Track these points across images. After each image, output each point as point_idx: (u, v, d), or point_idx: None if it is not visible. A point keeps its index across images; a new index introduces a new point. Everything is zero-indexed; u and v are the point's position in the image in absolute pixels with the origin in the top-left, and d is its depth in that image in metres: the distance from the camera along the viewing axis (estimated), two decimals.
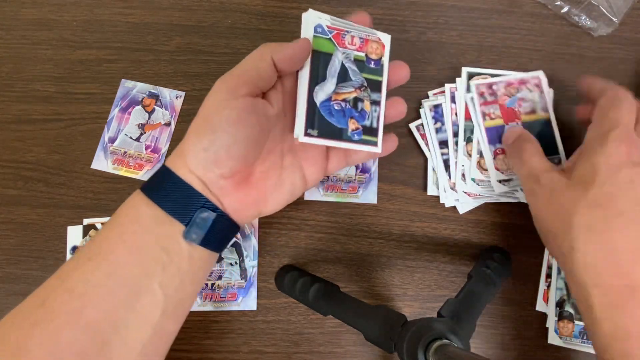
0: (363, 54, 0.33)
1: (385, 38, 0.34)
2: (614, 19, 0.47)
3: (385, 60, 0.34)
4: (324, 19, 0.31)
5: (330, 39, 0.32)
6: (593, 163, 0.30)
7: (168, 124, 0.46)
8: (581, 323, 0.41)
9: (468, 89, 0.44)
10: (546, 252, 0.43)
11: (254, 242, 0.43)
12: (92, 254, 0.27)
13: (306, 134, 0.30)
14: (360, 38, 0.33)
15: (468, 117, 0.43)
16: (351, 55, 0.33)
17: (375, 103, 0.34)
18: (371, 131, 0.34)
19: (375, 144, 0.34)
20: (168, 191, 0.28)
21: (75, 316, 0.25)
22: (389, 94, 0.35)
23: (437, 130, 0.44)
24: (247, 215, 0.32)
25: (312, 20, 0.31)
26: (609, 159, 0.30)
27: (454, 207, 0.44)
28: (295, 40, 0.30)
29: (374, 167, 0.45)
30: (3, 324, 0.26)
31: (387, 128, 0.36)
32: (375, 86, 0.34)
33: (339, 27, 0.32)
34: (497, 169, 0.42)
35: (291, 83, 0.32)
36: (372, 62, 0.34)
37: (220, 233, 0.30)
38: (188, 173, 0.28)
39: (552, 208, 0.32)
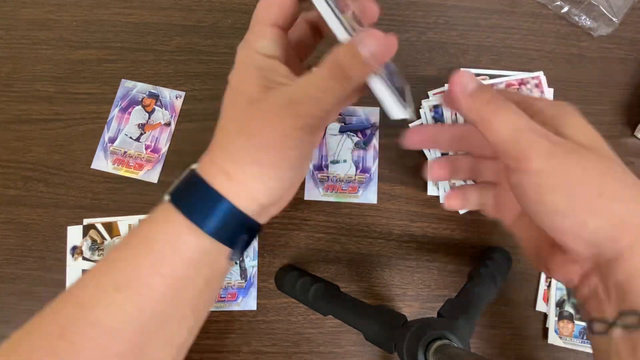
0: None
1: None
2: (614, 19, 0.47)
3: None
4: None
5: None
6: (589, 130, 0.25)
7: (168, 124, 0.46)
8: (582, 323, 0.41)
9: None
10: None
11: (254, 242, 0.43)
12: (119, 284, 0.24)
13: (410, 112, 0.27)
14: None
15: None
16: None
17: None
18: None
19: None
20: (222, 220, 0.25)
21: (101, 351, 0.23)
22: None
23: None
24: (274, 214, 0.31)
25: None
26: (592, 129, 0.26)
27: None
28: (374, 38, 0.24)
29: (374, 167, 0.45)
30: (13, 351, 0.24)
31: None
32: None
33: None
34: None
35: None
36: None
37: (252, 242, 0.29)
38: (249, 201, 0.26)
39: (583, 173, 0.24)
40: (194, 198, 0.26)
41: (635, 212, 0.23)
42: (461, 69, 0.26)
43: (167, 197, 0.26)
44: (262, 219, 0.28)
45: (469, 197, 0.32)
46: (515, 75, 0.44)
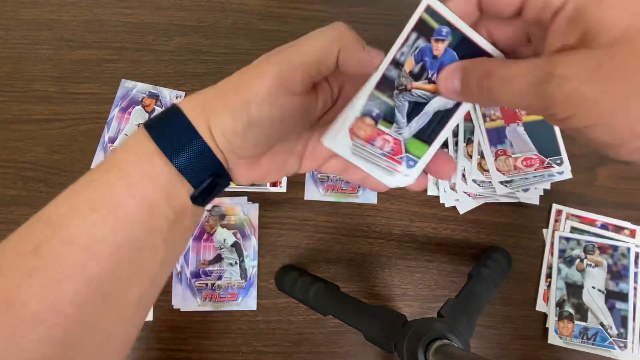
0: None
1: None
2: None
3: None
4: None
5: None
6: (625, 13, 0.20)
7: None
8: (581, 323, 0.41)
9: None
10: (546, 252, 0.43)
11: (254, 242, 0.43)
12: (94, 203, 0.25)
13: None
14: None
15: (468, 118, 0.43)
16: None
17: None
18: None
19: None
20: (189, 153, 0.26)
21: (76, 269, 0.24)
22: None
23: None
24: (245, 183, 0.31)
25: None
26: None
27: (454, 207, 0.44)
28: (370, 48, 0.26)
29: None
30: None
31: None
32: None
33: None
34: (498, 170, 0.42)
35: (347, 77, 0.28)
36: None
37: (220, 194, 0.29)
38: (210, 139, 0.26)
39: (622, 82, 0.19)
40: (167, 122, 0.26)
41: None
42: (424, 89, 0.26)
43: (141, 124, 0.26)
44: (230, 168, 0.28)
45: None
46: None
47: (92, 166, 0.45)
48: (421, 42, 0.26)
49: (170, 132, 0.26)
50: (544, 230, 0.43)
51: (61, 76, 0.47)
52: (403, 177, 0.27)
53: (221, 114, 0.26)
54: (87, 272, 0.24)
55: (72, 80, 0.47)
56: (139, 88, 0.47)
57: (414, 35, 0.26)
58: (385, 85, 0.27)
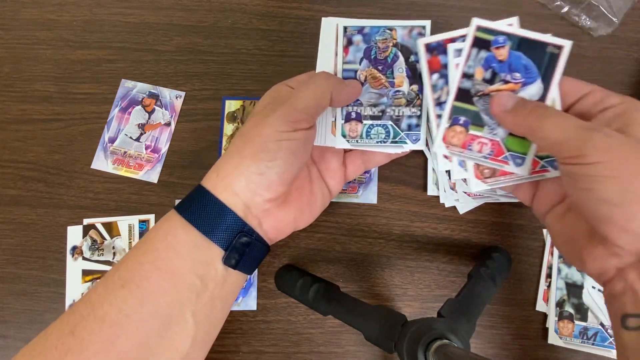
0: None
1: None
2: (614, 19, 0.47)
3: None
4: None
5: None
6: None
7: (168, 124, 0.46)
8: (581, 323, 0.41)
9: None
10: (546, 252, 0.43)
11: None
12: (124, 280, 0.26)
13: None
14: None
15: None
16: None
17: None
18: None
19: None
20: (209, 215, 0.27)
21: (106, 346, 0.25)
22: None
23: None
24: (284, 233, 0.32)
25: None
26: None
27: (454, 207, 0.44)
28: (350, 81, 0.32)
29: (374, 167, 0.45)
30: (31, 350, 0.26)
31: None
32: None
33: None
34: None
35: None
36: None
37: (255, 255, 0.30)
38: (231, 196, 0.28)
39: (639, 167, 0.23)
40: (187, 197, 0.29)
41: None
42: (501, 90, 0.30)
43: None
44: (255, 225, 0.29)
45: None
46: None
47: (92, 166, 0.45)
48: (483, 53, 0.29)
49: (190, 200, 0.29)
50: (544, 230, 0.43)
51: (61, 76, 0.47)
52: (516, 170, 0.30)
53: (240, 166, 0.28)
54: (116, 348, 0.25)
55: (72, 80, 0.47)
56: (139, 88, 0.47)
57: (474, 50, 0.29)
58: (463, 95, 0.29)
